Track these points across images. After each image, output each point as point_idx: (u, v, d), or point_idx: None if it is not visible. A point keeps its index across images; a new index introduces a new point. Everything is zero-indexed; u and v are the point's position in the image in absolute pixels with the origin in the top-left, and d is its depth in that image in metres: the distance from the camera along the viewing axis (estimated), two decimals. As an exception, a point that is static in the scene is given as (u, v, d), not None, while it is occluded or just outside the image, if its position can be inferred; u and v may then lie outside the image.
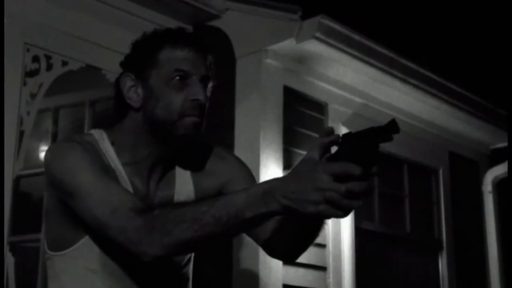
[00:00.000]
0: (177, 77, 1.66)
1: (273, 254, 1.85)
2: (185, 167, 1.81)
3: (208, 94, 1.73)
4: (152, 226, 1.46)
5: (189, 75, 1.67)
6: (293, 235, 1.72)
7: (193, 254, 1.84)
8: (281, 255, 1.87)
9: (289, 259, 1.85)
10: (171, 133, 1.67)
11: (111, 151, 1.70)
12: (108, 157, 1.70)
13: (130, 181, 1.70)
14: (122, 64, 1.76)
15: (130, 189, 1.67)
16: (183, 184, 1.79)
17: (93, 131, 1.74)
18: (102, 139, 1.72)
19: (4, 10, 3.50)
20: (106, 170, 1.65)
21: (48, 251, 1.73)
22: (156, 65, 1.68)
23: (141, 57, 1.71)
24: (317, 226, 1.70)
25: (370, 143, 1.38)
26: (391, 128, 1.40)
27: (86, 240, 1.67)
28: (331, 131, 1.46)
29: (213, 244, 1.56)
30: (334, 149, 1.47)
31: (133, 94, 1.71)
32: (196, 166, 1.82)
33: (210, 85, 1.73)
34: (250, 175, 1.89)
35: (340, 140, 1.43)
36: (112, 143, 1.72)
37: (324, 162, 1.39)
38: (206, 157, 1.84)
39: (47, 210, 1.75)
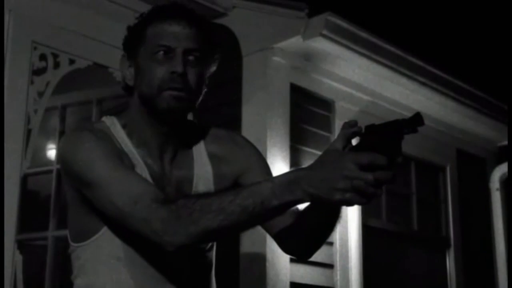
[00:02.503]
0: (161, 52, 1.67)
1: (287, 250, 1.87)
2: (202, 149, 1.81)
3: (210, 68, 1.74)
4: (177, 216, 1.47)
5: (171, 49, 1.67)
6: (307, 231, 1.74)
7: (214, 246, 1.85)
8: (295, 252, 1.88)
9: (303, 256, 1.86)
10: (155, 108, 1.68)
11: (123, 135, 1.71)
12: (121, 142, 1.70)
13: (144, 162, 1.70)
14: (123, 47, 1.79)
15: (146, 171, 1.68)
16: (202, 166, 1.79)
17: (104, 118, 1.76)
18: (114, 124, 1.73)
19: (11, 8, 3.51)
20: (121, 157, 1.65)
21: (72, 243, 1.75)
22: (144, 42, 1.70)
23: (132, 36, 1.75)
24: (331, 222, 1.71)
25: (395, 135, 1.42)
26: (416, 120, 1.43)
27: (106, 230, 1.68)
28: (354, 123, 1.50)
29: (238, 232, 1.57)
30: (355, 140, 1.51)
31: (128, 73, 1.74)
32: (213, 150, 1.83)
33: (207, 59, 1.73)
34: (266, 165, 1.90)
35: (363, 132, 1.46)
36: (123, 127, 1.73)
37: (350, 152, 1.43)
38: (224, 142, 1.85)
39: (68, 202, 1.76)
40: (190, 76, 1.68)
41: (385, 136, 1.42)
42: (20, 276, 3.38)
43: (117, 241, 1.67)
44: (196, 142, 1.81)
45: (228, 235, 1.57)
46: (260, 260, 3.77)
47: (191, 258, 1.74)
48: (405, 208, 5.08)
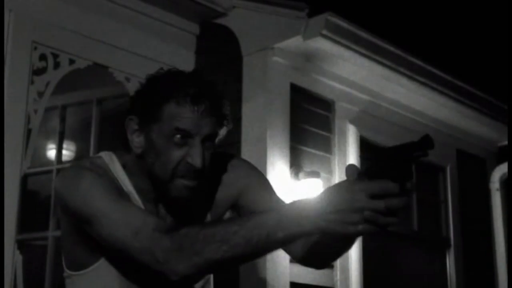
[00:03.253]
0: (178, 136, 1.61)
1: (301, 262, 1.83)
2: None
3: (220, 136, 1.70)
4: (180, 246, 1.44)
5: (190, 134, 1.62)
6: (326, 247, 1.70)
7: (211, 275, 1.82)
8: (310, 264, 1.83)
9: (318, 267, 1.83)
10: (165, 192, 1.64)
11: (122, 175, 1.68)
12: (120, 180, 1.67)
13: (144, 205, 1.68)
14: (129, 104, 1.71)
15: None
16: (198, 212, 1.77)
17: (102, 154, 1.71)
18: (112, 162, 1.69)
19: (12, 8, 3.51)
20: (121, 193, 1.62)
21: (67, 270, 1.73)
22: (159, 120, 1.62)
23: (146, 108, 1.65)
24: (349, 240, 1.68)
25: (404, 159, 1.36)
26: (425, 143, 1.39)
27: (103, 262, 1.66)
28: (355, 168, 1.43)
29: (243, 263, 1.56)
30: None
31: (136, 139, 1.66)
32: (209, 177, 1.76)
33: (219, 134, 1.69)
34: (264, 181, 1.86)
35: (372, 156, 1.41)
36: (123, 166, 1.69)
37: (359, 180, 1.36)
38: (217, 168, 1.79)
39: (63, 233, 1.73)
40: (205, 166, 1.64)
41: (395, 161, 1.36)
42: (20, 275, 3.38)
43: (113, 274, 1.65)
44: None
45: (233, 266, 1.54)
46: (260, 260, 3.77)
47: None
48: (405, 208, 5.07)
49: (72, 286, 1.72)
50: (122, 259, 1.57)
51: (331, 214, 1.34)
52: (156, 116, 1.62)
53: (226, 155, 1.87)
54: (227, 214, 1.86)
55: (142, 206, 1.66)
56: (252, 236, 1.40)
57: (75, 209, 1.59)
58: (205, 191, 1.71)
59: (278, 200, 1.81)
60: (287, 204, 1.46)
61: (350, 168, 1.40)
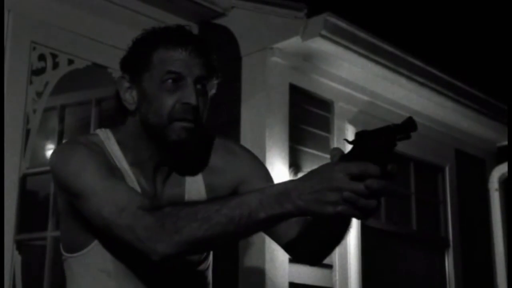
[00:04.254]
0: (169, 80, 1.62)
1: (297, 257, 1.82)
2: (194, 164, 1.77)
3: (210, 92, 1.69)
4: (162, 224, 1.43)
5: (181, 77, 1.62)
6: (317, 239, 1.70)
7: (211, 259, 1.81)
8: (305, 259, 1.82)
9: (314, 262, 1.82)
10: (164, 138, 1.63)
11: (117, 151, 1.68)
12: (114, 157, 1.67)
13: (137, 181, 1.68)
14: (120, 67, 1.73)
15: (137, 189, 1.65)
16: (193, 182, 1.75)
17: (98, 131, 1.72)
18: (108, 139, 1.69)
19: (10, 8, 3.51)
20: (113, 170, 1.62)
21: (64, 253, 1.73)
22: (149, 68, 1.64)
23: (135, 59, 1.68)
24: (343, 229, 1.68)
25: (387, 141, 1.35)
26: (408, 126, 1.36)
27: (96, 244, 1.67)
28: (338, 151, 1.42)
29: (225, 243, 1.55)
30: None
31: (129, 96, 1.68)
32: (206, 162, 1.77)
33: (210, 84, 1.68)
34: (265, 173, 1.86)
35: (354, 138, 1.39)
36: (118, 142, 1.70)
37: (341, 161, 1.35)
38: (217, 153, 1.80)
39: (60, 213, 1.74)
40: (200, 107, 1.65)
41: (376, 143, 1.34)
42: (19, 276, 3.38)
43: (107, 256, 1.65)
44: (188, 156, 1.76)
45: (215, 246, 1.54)
46: (259, 260, 3.77)
47: (182, 275, 1.71)
48: (404, 208, 5.08)
49: (69, 269, 1.72)
50: (115, 241, 1.56)
51: (310, 194, 1.33)
52: (146, 65, 1.64)
53: (228, 142, 1.86)
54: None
55: (135, 183, 1.66)
56: (234, 215, 1.38)
57: (66, 183, 1.60)
58: (203, 136, 1.70)
59: None
60: (271, 185, 1.47)
61: (334, 151, 1.40)
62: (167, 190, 1.72)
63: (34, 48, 3.61)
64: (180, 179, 1.75)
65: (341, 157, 1.38)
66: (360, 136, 1.37)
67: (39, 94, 3.61)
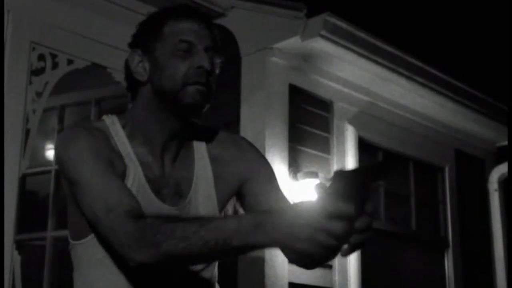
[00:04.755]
0: (182, 48, 1.66)
1: (293, 261, 1.83)
2: (204, 151, 1.78)
3: (216, 70, 1.72)
4: (142, 234, 1.46)
5: (193, 45, 1.67)
6: None
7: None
8: (301, 264, 1.83)
9: (311, 267, 1.82)
10: (177, 102, 1.65)
11: (121, 135, 1.69)
12: (118, 142, 1.68)
13: (141, 163, 1.68)
14: (130, 45, 1.76)
15: (140, 172, 1.66)
16: (203, 169, 1.76)
17: (104, 117, 1.73)
18: (113, 124, 1.71)
19: (10, 8, 3.51)
20: (112, 161, 1.63)
21: (70, 241, 1.74)
22: (161, 38, 1.69)
23: (147, 32, 1.73)
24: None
25: (362, 182, 1.35)
26: (383, 168, 1.38)
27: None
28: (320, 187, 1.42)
29: (204, 262, 1.61)
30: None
31: (141, 68, 1.71)
32: (216, 152, 1.79)
33: (217, 60, 1.72)
34: (271, 172, 1.87)
35: (333, 177, 1.38)
36: (123, 127, 1.71)
37: (319, 198, 1.35)
38: (227, 145, 1.82)
39: (67, 201, 1.75)
40: (211, 75, 1.68)
41: (351, 183, 1.33)
42: (18, 276, 3.38)
43: (107, 246, 1.65)
44: (198, 143, 1.78)
45: (193, 263, 1.57)
46: (258, 260, 3.77)
47: (187, 274, 1.71)
48: (403, 208, 5.09)
49: (75, 256, 1.72)
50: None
51: (284, 228, 1.34)
52: (158, 36, 1.69)
53: (237, 136, 1.89)
54: (230, 209, 1.86)
55: (138, 165, 1.67)
56: (209, 238, 1.41)
57: (65, 169, 1.63)
58: (214, 99, 1.71)
59: (280, 199, 1.83)
60: (248, 214, 1.49)
61: (317, 187, 1.39)
62: (175, 172, 1.72)
63: (34, 48, 3.61)
64: (190, 163, 1.75)
65: (322, 193, 1.37)
66: (338, 175, 1.37)
67: (38, 94, 3.61)
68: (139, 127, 1.72)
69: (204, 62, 1.65)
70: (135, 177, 1.64)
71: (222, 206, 1.75)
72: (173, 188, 1.70)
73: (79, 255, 1.70)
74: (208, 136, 1.81)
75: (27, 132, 3.51)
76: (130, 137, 1.71)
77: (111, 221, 1.51)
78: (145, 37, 1.72)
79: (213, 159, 1.78)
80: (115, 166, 1.64)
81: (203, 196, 1.71)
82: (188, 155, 1.76)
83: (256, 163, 1.85)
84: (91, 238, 1.67)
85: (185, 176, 1.73)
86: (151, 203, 1.62)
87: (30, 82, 3.58)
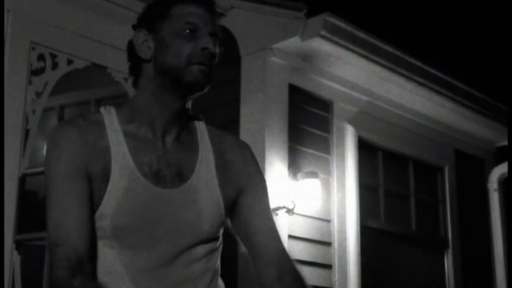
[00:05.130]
0: (188, 29, 1.71)
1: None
2: (207, 140, 1.80)
3: (217, 52, 1.74)
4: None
5: (199, 28, 1.72)
6: None
7: (220, 245, 1.81)
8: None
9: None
10: (180, 80, 1.69)
11: (116, 125, 1.71)
12: (110, 131, 1.70)
13: (135, 148, 1.69)
14: (134, 26, 1.80)
15: (129, 160, 1.66)
16: (206, 158, 1.76)
17: (102, 109, 1.75)
18: (109, 114, 1.73)
19: (10, 8, 3.51)
20: (93, 160, 1.65)
21: None
22: (168, 19, 1.73)
23: (154, 13, 1.77)
24: None
25: None
26: None
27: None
28: None
29: None
30: None
31: (145, 47, 1.74)
32: (219, 148, 1.80)
33: (218, 49, 1.75)
34: (265, 187, 1.87)
35: None
36: (120, 115, 1.73)
37: None
38: (232, 148, 1.84)
39: None
40: (214, 58, 1.73)
41: None
42: (18, 276, 3.38)
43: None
44: (202, 133, 1.80)
45: None
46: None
47: (189, 266, 1.70)
48: (403, 208, 5.09)
49: None
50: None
51: None
52: (165, 16, 1.73)
53: (241, 142, 1.91)
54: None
55: (128, 155, 1.67)
56: None
57: (44, 169, 1.69)
58: (215, 80, 1.75)
59: (267, 219, 1.86)
60: None
61: None
62: (177, 154, 1.73)
63: (34, 48, 3.61)
64: (193, 149, 1.77)
65: None
66: None
67: (38, 94, 3.61)
68: (140, 109, 1.74)
69: (209, 44, 1.70)
70: (123, 166, 1.65)
71: (226, 202, 1.75)
72: (174, 169, 1.70)
73: None
74: (213, 133, 1.83)
75: (26, 132, 3.51)
76: (128, 122, 1.73)
77: (55, 255, 1.58)
78: (151, 18, 1.77)
79: (216, 153, 1.79)
80: (98, 163, 1.65)
81: (205, 184, 1.71)
82: (192, 141, 1.78)
83: (255, 176, 1.86)
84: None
85: (188, 160, 1.74)
86: (142, 188, 1.64)
87: (30, 82, 3.58)
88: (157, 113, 1.73)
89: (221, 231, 1.76)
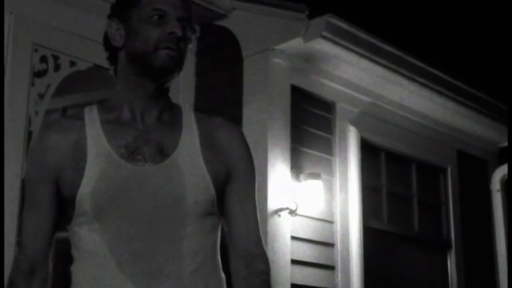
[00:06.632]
0: (156, 16, 1.75)
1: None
2: (192, 121, 1.80)
3: (189, 38, 1.78)
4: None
5: (166, 14, 1.75)
6: None
7: (216, 229, 1.74)
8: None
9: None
10: (149, 65, 1.73)
11: (94, 117, 1.76)
12: (89, 125, 1.74)
13: (112, 132, 1.72)
14: (108, 16, 1.84)
15: (105, 144, 1.69)
16: (189, 135, 1.76)
17: (86, 107, 1.82)
18: (90, 109, 1.79)
19: (12, 11, 3.52)
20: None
21: (67, 226, 1.77)
22: (137, 7, 1.77)
23: (124, 2, 1.82)
24: None
25: None
26: None
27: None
28: None
29: None
30: None
31: (117, 35, 1.79)
32: (206, 128, 1.79)
33: (189, 32, 1.79)
34: (252, 172, 1.83)
35: None
36: (100, 107, 1.79)
37: None
38: (219, 131, 1.81)
39: None
40: (182, 42, 1.76)
41: None
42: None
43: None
44: (187, 114, 1.81)
45: None
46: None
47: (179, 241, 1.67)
48: (406, 209, 5.08)
49: (72, 238, 1.74)
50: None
51: None
52: (134, 5, 1.78)
53: (232, 126, 1.88)
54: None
55: (103, 141, 1.71)
56: None
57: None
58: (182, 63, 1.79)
59: (244, 198, 1.79)
60: None
61: None
62: (158, 132, 1.74)
63: (36, 50, 3.62)
64: (176, 126, 1.77)
65: None
66: None
67: (41, 96, 3.62)
68: (118, 96, 1.80)
69: (175, 28, 1.73)
70: (99, 151, 1.68)
71: (215, 178, 1.71)
72: (153, 147, 1.71)
73: (73, 236, 1.74)
74: (200, 116, 1.83)
75: (29, 134, 3.51)
76: (107, 111, 1.78)
77: (16, 255, 1.74)
78: (122, 7, 1.81)
79: (202, 132, 1.78)
80: (75, 156, 1.69)
81: (188, 159, 1.70)
82: (175, 121, 1.78)
83: (243, 159, 1.83)
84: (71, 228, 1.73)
85: (169, 138, 1.73)
86: (118, 168, 1.66)
87: (33, 84, 3.59)
88: (134, 97, 1.77)
89: (213, 209, 1.71)
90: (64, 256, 1.83)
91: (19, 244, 1.86)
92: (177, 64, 1.74)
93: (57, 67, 3.72)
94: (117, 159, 1.66)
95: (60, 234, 1.80)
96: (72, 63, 3.77)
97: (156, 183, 1.65)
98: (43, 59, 3.66)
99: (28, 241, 1.72)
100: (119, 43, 1.78)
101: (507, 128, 5.27)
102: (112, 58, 1.83)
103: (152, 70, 1.73)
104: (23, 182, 3.43)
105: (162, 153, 1.69)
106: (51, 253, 1.77)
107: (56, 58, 3.71)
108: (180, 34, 1.72)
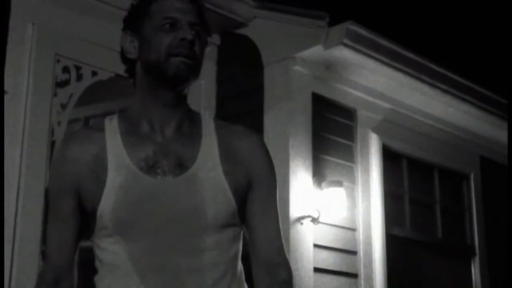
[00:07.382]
0: (167, 24, 1.74)
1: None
2: (212, 130, 1.78)
3: (205, 41, 1.77)
4: None
5: (177, 20, 1.74)
6: None
7: (237, 240, 1.73)
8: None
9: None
10: (163, 74, 1.71)
11: (114, 130, 1.75)
12: (109, 137, 1.73)
13: (132, 145, 1.71)
14: (122, 29, 1.84)
15: (124, 158, 1.68)
16: (209, 145, 1.74)
17: (106, 117, 1.81)
18: (110, 121, 1.78)
19: (35, 22, 3.55)
20: (90, 170, 1.69)
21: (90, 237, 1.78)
22: (148, 17, 1.77)
23: (136, 13, 1.81)
24: None
25: None
26: None
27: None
28: None
29: None
30: None
31: (132, 47, 1.79)
32: (226, 137, 1.77)
33: (203, 36, 1.77)
34: (274, 181, 1.81)
35: None
36: (121, 118, 1.78)
37: None
38: (241, 137, 1.80)
39: None
40: (196, 46, 1.74)
41: None
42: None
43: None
44: (207, 123, 1.79)
45: None
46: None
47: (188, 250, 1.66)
48: (429, 216, 5.05)
49: (95, 250, 1.74)
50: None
51: None
52: (145, 16, 1.78)
53: (253, 134, 1.85)
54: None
55: (125, 155, 1.69)
56: None
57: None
58: (198, 71, 1.78)
59: (266, 207, 1.77)
60: None
61: None
62: (177, 144, 1.73)
63: (58, 61, 3.65)
64: (196, 138, 1.75)
65: None
66: None
67: (63, 106, 3.64)
68: (138, 108, 1.79)
69: (187, 34, 1.71)
70: (119, 164, 1.67)
71: (235, 189, 1.70)
72: (173, 159, 1.69)
73: (98, 250, 1.73)
74: (220, 124, 1.81)
75: (52, 144, 3.54)
76: (128, 123, 1.76)
77: (42, 267, 1.77)
78: (134, 18, 1.81)
79: (221, 142, 1.76)
80: (96, 168, 1.69)
81: (208, 171, 1.69)
82: (195, 132, 1.76)
83: (264, 167, 1.81)
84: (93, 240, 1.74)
85: (189, 150, 1.72)
86: (138, 181, 1.65)
87: (55, 94, 3.62)
88: (153, 108, 1.76)
89: (234, 220, 1.70)
90: (88, 266, 1.84)
91: (43, 254, 1.87)
92: (191, 71, 1.72)
93: (79, 77, 3.74)
94: (137, 172, 1.66)
95: (85, 244, 1.81)
96: (94, 73, 3.80)
97: (175, 196, 1.64)
98: (65, 69, 3.69)
99: (52, 252, 1.73)
100: (134, 55, 1.78)
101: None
102: (130, 70, 1.82)
103: (167, 79, 1.71)
104: (46, 191, 3.46)
105: (182, 165, 1.68)
106: (75, 264, 1.76)
107: (78, 68, 3.74)
108: (191, 38, 1.71)
